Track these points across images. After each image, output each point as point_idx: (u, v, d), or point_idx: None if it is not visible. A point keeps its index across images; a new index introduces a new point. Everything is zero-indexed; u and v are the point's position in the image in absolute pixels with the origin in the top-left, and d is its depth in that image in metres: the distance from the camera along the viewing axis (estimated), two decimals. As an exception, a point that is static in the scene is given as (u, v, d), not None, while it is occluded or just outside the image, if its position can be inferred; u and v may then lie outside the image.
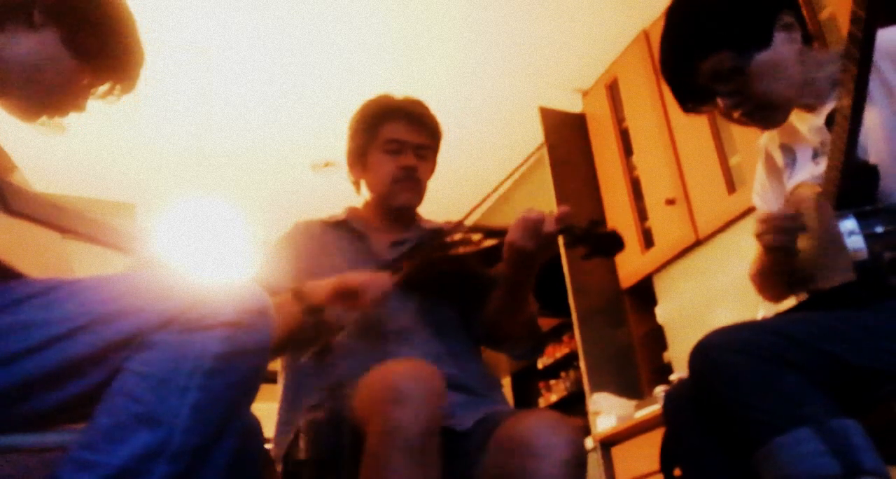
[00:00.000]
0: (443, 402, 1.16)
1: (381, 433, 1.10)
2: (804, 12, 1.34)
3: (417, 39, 3.27)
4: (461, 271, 1.52)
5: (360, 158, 1.63)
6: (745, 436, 1.02)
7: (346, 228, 1.62)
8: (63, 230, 1.05)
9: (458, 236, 1.51)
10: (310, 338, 1.43)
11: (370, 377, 1.19)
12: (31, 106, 1.12)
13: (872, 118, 1.18)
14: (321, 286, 1.38)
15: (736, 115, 1.31)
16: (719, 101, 1.29)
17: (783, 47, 1.26)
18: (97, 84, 1.17)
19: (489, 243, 1.43)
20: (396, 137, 1.58)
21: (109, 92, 1.19)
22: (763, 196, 1.46)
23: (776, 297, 1.37)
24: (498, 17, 3.17)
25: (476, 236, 1.49)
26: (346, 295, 1.37)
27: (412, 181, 1.59)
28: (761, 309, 1.43)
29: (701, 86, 1.29)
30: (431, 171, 1.67)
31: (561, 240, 1.39)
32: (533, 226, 1.32)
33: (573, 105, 3.58)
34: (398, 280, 1.44)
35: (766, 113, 1.29)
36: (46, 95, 1.11)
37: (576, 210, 1.37)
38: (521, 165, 3.41)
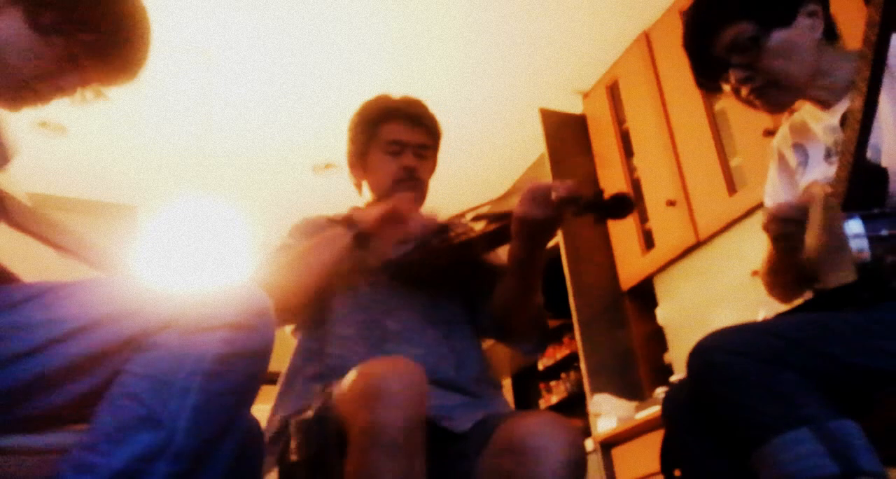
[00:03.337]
0: (424, 398, 1.15)
1: (364, 431, 1.09)
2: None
3: (417, 39, 3.27)
4: (468, 258, 1.52)
5: (360, 159, 1.63)
6: (743, 437, 1.02)
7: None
8: (56, 248, 1.04)
9: (461, 229, 1.51)
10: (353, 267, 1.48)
11: (351, 376, 1.18)
12: (5, 92, 1.05)
13: (887, 121, 1.19)
14: (370, 212, 1.44)
15: (745, 91, 1.32)
16: (731, 74, 1.31)
17: (803, 32, 1.29)
18: (84, 67, 1.08)
19: (494, 226, 1.42)
20: (396, 138, 1.58)
21: (105, 78, 1.11)
22: (774, 196, 1.46)
23: (786, 295, 1.37)
24: (498, 17, 3.17)
25: (480, 225, 1.49)
26: (394, 219, 1.43)
27: (413, 181, 1.59)
28: (762, 310, 1.43)
29: (717, 57, 1.31)
30: (432, 170, 1.67)
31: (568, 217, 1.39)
32: (541, 194, 1.32)
33: (573, 106, 3.57)
34: (413, 257, 1.48)
35: (773, 93, 1.31)
36: (17, 78, 1.05)
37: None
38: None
